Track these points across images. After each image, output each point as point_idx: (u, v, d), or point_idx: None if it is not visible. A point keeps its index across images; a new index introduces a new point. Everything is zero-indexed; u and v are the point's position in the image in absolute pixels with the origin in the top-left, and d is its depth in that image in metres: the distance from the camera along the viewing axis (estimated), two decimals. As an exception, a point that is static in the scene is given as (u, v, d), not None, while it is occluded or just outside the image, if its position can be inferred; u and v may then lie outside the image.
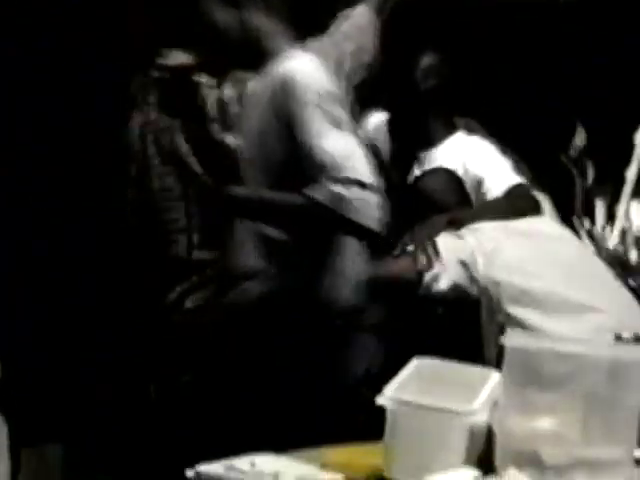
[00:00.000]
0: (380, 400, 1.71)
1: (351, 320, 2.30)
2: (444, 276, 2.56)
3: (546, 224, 2.80)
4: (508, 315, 2.52)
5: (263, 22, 2.28)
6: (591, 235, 3.57)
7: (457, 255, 2.57)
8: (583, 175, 3.21)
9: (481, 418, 1.71)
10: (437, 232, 2.62)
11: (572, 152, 3.30)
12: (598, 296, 2.56)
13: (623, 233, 4.51)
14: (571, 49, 3.97)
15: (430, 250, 2.55)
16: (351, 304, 2.30)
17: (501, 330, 2.38)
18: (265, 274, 2.23)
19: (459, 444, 1.68)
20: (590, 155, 4.36)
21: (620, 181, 4.48)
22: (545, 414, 1.69)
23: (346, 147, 2.14)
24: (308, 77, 2.16)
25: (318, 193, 2.11)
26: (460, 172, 2.80)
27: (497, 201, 2.76)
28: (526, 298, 2.53)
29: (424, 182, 2.78)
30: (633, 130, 4.41)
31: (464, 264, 2.56)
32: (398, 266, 2.62)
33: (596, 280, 2.65)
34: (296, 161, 2.14)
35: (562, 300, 2.53)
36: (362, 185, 2.11)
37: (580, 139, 3.36)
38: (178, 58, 2.32)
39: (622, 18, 3.89)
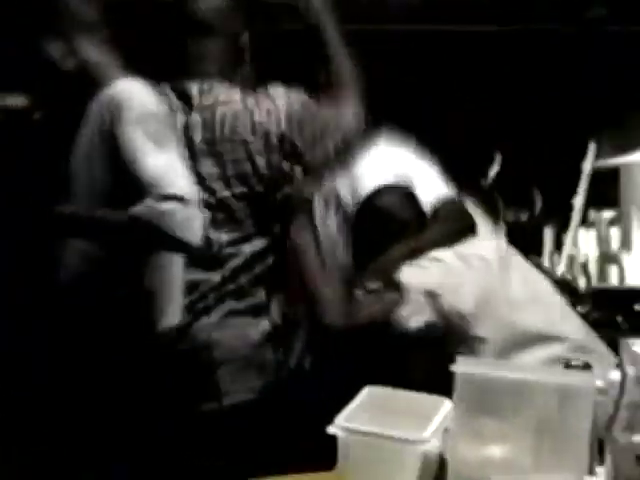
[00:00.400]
0: (332, 429, 1.70)
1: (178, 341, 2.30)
2: (414, 314, 2.55)
3: (494, 246, 2.79)
4: (472, 348, 2.52)
5: (94, 53, 2.32)
6: (538, 264, 3.60)
7: (424, 287, 2.56)
8: (500, 202, 3.23)
9: (433, 446, 1.70)
10: (398, 266, 2.61)
11: (487, 181, 3.33)
12: (558, 324, 2.56)
13: (571, 261, 4.57)
14: (518, 79, 4.04)
15: (396, 288, 2.54)
16: (180, 324, 2.30)
17: None
18: (88, 289, 2.25)
19: (411, 472, 1.67)
20: (538, 184, 4.42)
21: (568, 209, 4.55)
22: (496, 441, 1.69)
23: (168, 164, 2.18)
24: (131, 97, 2.22)
25: (140, 210, 2.14)
26: (391, 181, 2.78)
27: (441, 225, 2.75)
28: (492, 331, 2.52)
29: (379, 201, 2.76)
30: (581, 159, 4.49)
31: (431, 295, 2.55)
32: (369, 312, 2.60)
33: (551, 306, 2.65)
34: (122, 180, 2.18)
35: (526, 332, 2.52)
36: (183, 200, 2.15)
37: (495, 169, 3.40)
38: (14, 100, 2.35)
39: (575, 52, 3.95)
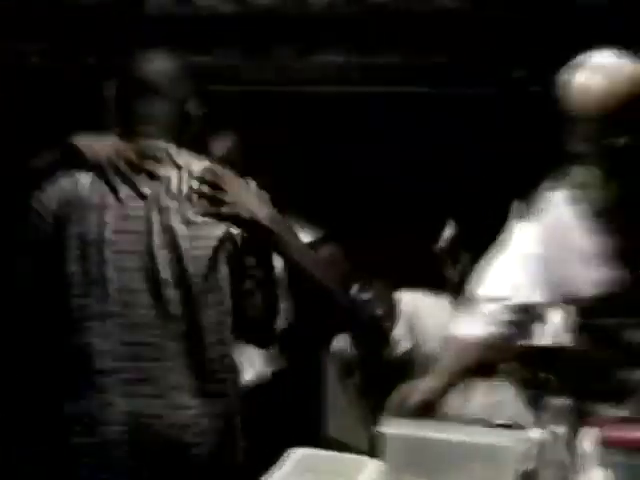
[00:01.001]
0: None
1: None
2: (405, 333, 2.54)
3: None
4: None
5: None
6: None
7: (408, 313, 2.57)
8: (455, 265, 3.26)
9: (360, 508, 1.70)
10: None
11: (442, 244, 3.36)
12: None
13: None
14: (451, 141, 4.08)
15: (390, 304, 2.52)
16: None
17: None
18: None
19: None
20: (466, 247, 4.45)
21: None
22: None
23: None
24: None
25: None
26: None
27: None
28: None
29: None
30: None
31: (412, 322, 2.56)
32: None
33: None
34: None
35: None
36: None
37: (449, 232, 3.44)
38: None
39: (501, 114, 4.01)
